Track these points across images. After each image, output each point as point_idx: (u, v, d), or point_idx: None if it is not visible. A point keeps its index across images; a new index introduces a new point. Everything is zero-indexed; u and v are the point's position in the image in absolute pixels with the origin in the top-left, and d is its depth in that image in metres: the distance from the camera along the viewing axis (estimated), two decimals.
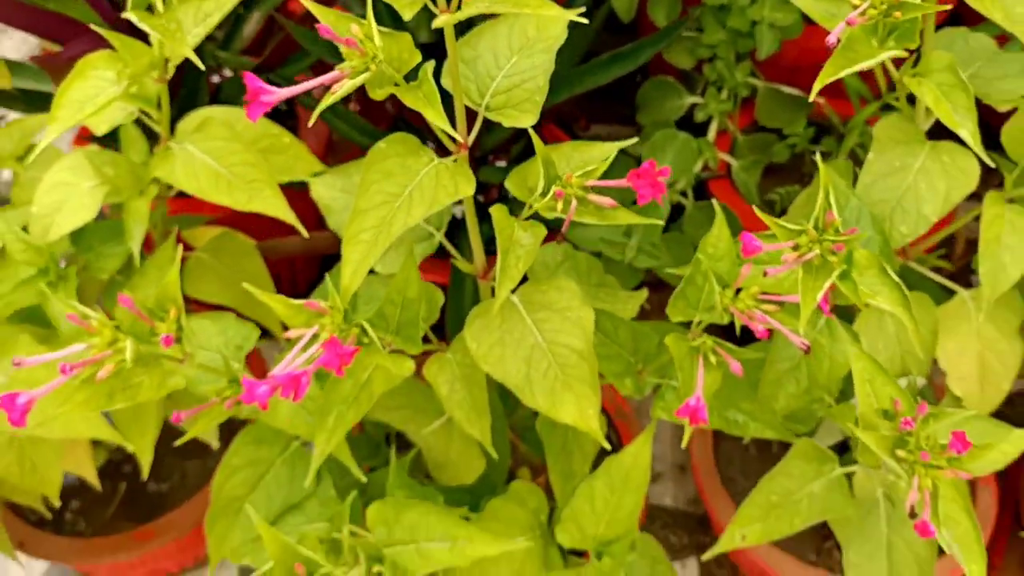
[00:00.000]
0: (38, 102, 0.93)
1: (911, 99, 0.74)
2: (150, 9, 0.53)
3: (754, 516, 0.66)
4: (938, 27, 0.76)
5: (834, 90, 1.10)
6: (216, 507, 0.68)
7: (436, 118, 0.52)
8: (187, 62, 0.60)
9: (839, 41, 0.59)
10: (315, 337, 0.55)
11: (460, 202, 0.68)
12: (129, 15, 0.52)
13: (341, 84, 0.50)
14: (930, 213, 0.68)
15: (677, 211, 1.07)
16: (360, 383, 0.60)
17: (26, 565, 1.07)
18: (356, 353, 0.53)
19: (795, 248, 0.58)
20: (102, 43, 0.63)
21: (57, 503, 0.77)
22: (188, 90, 0.90)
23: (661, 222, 0.71)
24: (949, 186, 0.67)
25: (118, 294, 0.54)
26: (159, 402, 0.75)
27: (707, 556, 0.69)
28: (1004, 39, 0.79)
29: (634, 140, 0.63)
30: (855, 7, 0.58)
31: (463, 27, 0.59)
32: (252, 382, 0.53)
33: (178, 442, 0.61)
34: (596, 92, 1.12)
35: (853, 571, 0.71)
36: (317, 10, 0.51)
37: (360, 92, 0.98)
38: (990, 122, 0.76)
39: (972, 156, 0.67)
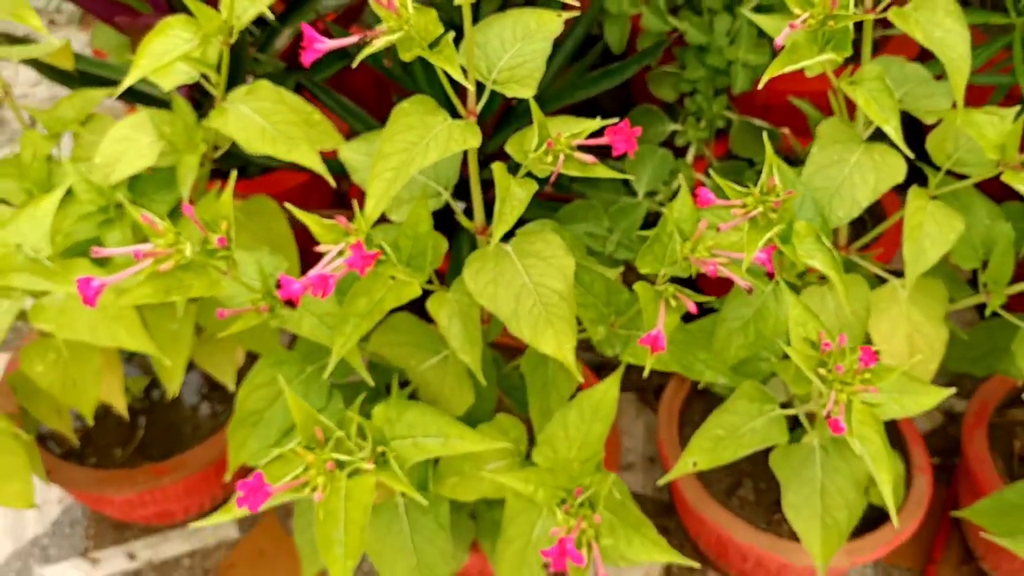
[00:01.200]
0: (94, 82, 1.05)
1: (853, 112, 0.87)
2: None
3: (704, 447, 0.76)
4: None
5: (800, 127, 1.24)
6: (238, 418, 0.79)
7: (454, 72, 0.64)
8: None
9: (784, 46, 0.73)
10: (341, 253, 0.67)
11: (467, 197, 0.80)
12: None
13: (379, 40, 0.63)
14: (862, 199, 0.80)
15: (656, 219, 1.19)
16: (374, 300, 0.71)
17: (42, 511, 1.15)
18: (376, 258, 0.64)
19: (743, 206, 0.70)
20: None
21: (91, 421, 0.87)
22: (228, 79, 1.02)
23: (630, 176, 0.83)
24: (878, 178, 0.80)
25: (182, 205, 0.65)
26: (191, 332, 0.86)
27: (661, 481, 0.79)
28: (942, 77, 0.92)
29: (616, 119, 0.75)
30: (797, 16, 0.71)
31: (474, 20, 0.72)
32: (289, 279, 0.64)
33: (220, 334, 0.72)
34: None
35: (791, 511, 0.81)
36: None
37: (375, 91, 1.10)
38: (922, 134, 0.89)
39: (899, 155, 0.80)
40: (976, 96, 1.12)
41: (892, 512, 0.68)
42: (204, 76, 0.79)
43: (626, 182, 1.14)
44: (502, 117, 1.15)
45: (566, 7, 0.69)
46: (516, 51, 0.74)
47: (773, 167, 0.70)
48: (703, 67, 1.23)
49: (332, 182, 0.79)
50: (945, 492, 1.20)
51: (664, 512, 1.20)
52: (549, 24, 0.75)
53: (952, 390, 0.80)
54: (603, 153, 0.74)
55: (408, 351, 0.83)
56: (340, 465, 0.61)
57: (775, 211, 0.69)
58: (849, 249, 0.94)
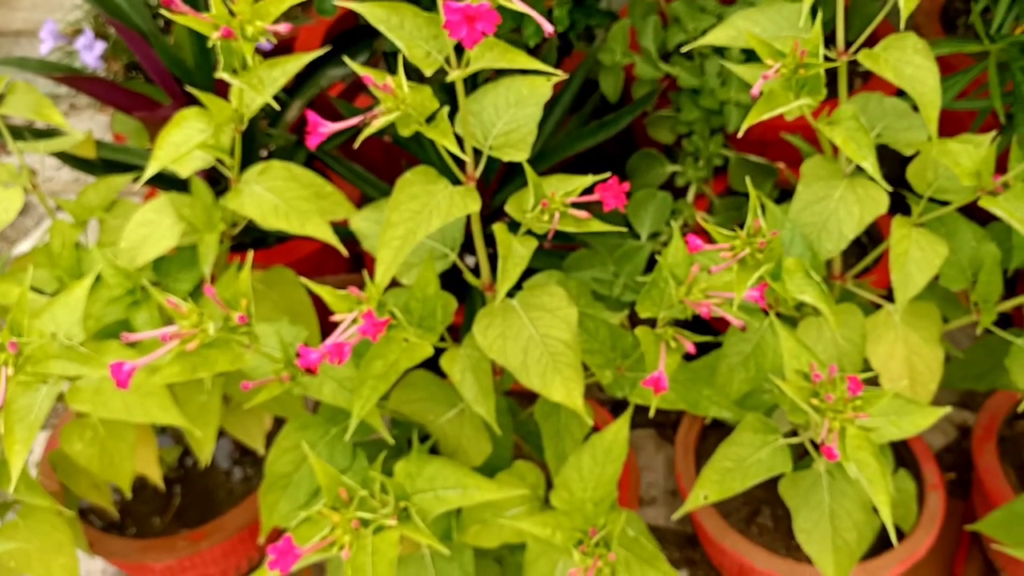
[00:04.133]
0: (116, 168, 1.11)
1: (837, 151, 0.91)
2: (234, 71, 0.71)
3: (713, 479, 0.79)
4: None
5: (796, 159, 1.27)
6: (268, 482, 0.82)
7: (451, 146, 0.69)
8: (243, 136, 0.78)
9: (761, 93, 0.77)
10: (355, 321, 0.71)
11: (472, 252, 0.84)
12: (221, 75, 0.69)
13: (378, 120, 0.67)
14: (848, 232, 0.83)
15: None
16: (389, 362, 0.75)
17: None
18: (388, 324, 0.68)
19: (731, 249, 0.74)
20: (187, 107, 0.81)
21: (129, 494, 0.91)
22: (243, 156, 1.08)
23: (624, 229, 0.87)
24: (863, 211, 0.83)
25: (204, 287, 0.70)
26: (219, 403, 0.90)
27: (676, 516, 0.82)
28: None
29: (608, 174, 0.79)
30: (770, 67, 0.75)
31: (468, 89, 0.77)
32: (307, 350, 0.68)
33: (247, 405, 0.76)
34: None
35: (803, 535, 0.84)
36: (361, 70, 0.69)
37: (383, 154, 1.16)
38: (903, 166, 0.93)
39: (881, 188, 0.83)
40: (957, 120, 1.15)
41: (891, 533, 0.71)
42: (219, 159, 0.85)
43: (630, 225, 1.18)
44: (505, 174, 1.19)
45: (550, 75, 0.73)
46: (510, 117, 0.79)
47: (757, 210, 0.74)
48: (697, 109, 1.27)
49: (344, 252, 0.83)
50: (964, 507, 1.22)
51: (688, 544, 1.22)
52: (540, 89, 0.79)
53: (947, 408, 0.82)
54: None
55: (426, 406, 0.87)
56: (365, 523, 0.65)
57: (761, 251, 0.73)
58: (845, 278, 0.97)
